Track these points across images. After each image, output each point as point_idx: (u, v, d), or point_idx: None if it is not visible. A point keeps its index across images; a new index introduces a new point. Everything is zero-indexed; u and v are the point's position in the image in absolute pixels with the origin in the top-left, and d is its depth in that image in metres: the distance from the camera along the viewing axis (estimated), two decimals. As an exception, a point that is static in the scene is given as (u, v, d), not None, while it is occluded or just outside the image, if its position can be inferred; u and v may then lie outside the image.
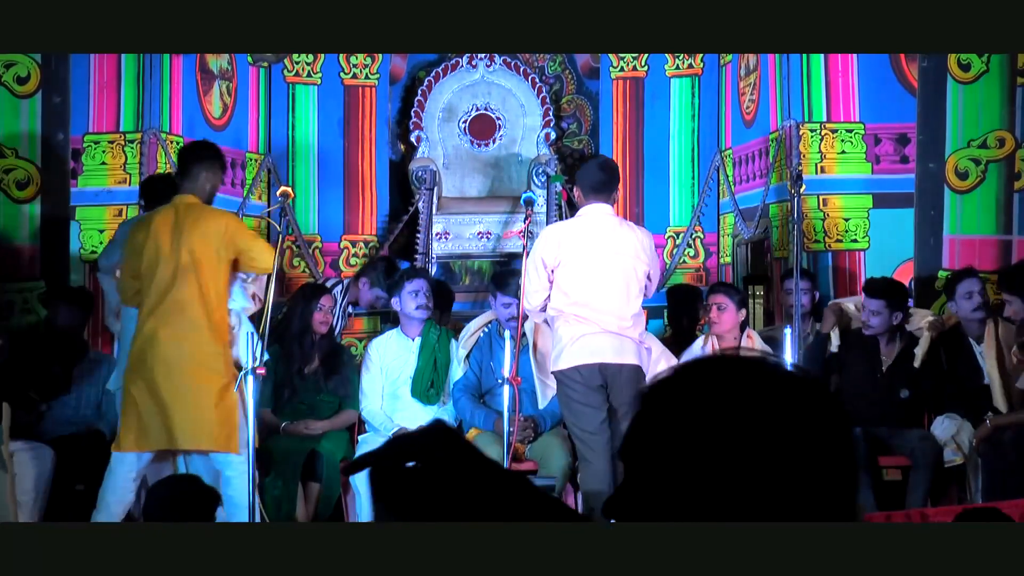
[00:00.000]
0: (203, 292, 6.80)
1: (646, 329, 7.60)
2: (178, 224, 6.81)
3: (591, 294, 7.15)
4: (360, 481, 8.03)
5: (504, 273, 8.51)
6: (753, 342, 8.34)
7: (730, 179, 10.40)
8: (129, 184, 8.77)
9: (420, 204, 10.74)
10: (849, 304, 8.32)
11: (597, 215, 7.27)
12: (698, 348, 8.43)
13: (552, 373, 7.39)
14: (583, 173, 7.45)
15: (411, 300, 8.37)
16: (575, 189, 7.46)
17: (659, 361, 8.49)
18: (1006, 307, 7.57)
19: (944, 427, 7.74)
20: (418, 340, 8.44)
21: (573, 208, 10.67)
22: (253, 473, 6.75)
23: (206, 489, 5.66)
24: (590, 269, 7.17)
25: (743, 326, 8.35)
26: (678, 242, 10.74)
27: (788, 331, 7.05)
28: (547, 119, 11.17)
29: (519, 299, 7.55)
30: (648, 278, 7.37)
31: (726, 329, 8.25)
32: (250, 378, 6.53)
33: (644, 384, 6.97)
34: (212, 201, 7.10)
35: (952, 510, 6.40)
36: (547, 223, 10.30)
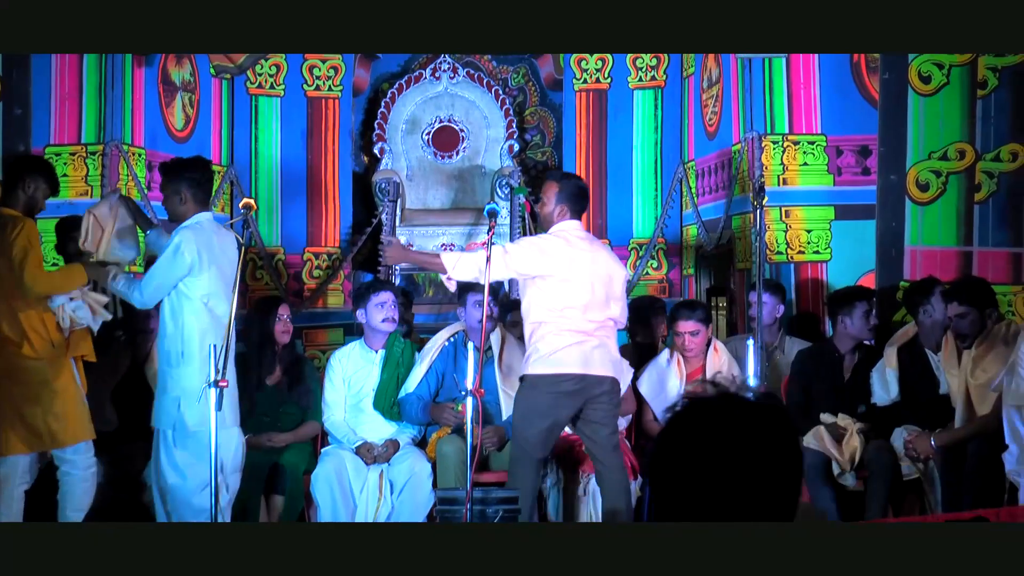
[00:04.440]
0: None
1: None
2: None
3: (574, 305, 7.23)
4: (322, 493, 8.02)
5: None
6: (719, 355, 8.35)
7: (693, 191, 10.42)
8: (91, 196, 8.72)
9: (383, 216, 10.73)
10: None
11: (577, 230, 7.41)
12: (663, 361, 8.42)
13: (523, 377, 7.39)
14: (572, 193, 7.52)
15: (377, 312, 8.35)
16: (559, 206, 7.48)
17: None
18: (957, 320, 7.58)
19: (903, 439, 7.77)
20: (381, 353, 8.41)
21: (536, 219, 10.71)
22: (216, 485, 6.75)
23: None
24: (575, 281, 7.26)
25: (708, 339, 8.39)
26: (641, 254, 10.76)
27: (750, 342, 7.05)
28: (510, 131, 11.17)
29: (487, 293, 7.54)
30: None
31: (698, 352, 8.31)
32: (212, 391, 6.51)
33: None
34: (36, 210, 7.40)
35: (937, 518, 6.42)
36: (510, 235, 10.31)
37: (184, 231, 7.44)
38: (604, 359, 7.31)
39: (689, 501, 2.46)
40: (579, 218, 7.45)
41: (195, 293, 7.39)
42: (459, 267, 7.32)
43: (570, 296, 7.20)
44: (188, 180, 7.52)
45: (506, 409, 8.15)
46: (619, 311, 7.46)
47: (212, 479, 6.71)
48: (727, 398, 2.52)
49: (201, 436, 7.35)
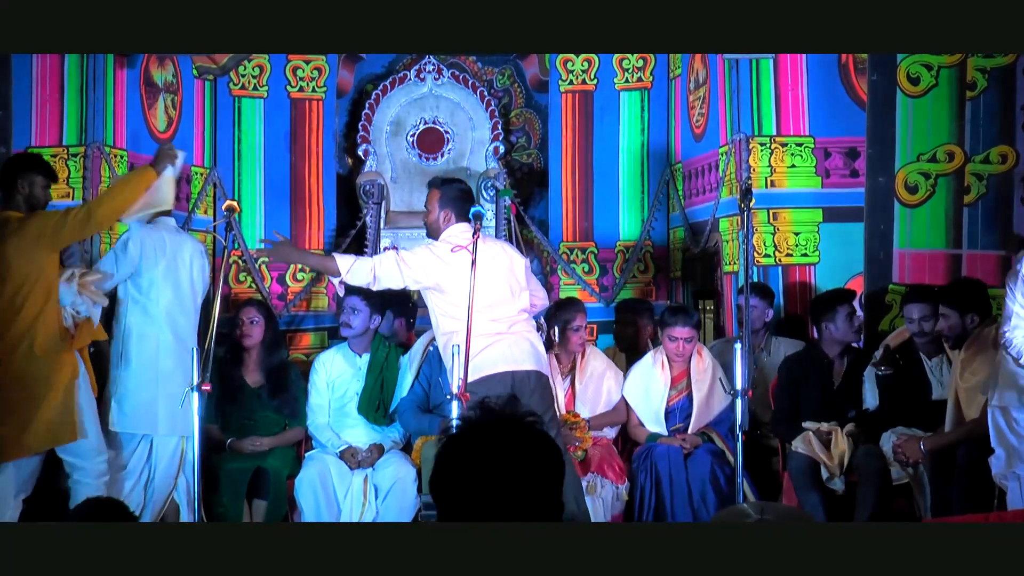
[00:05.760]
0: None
1: (595, 344, 7.57)
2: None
3: (479, 308, 7.11)
4: (306, 498, 7.95)
5: None
6: (703, 359, 8.33)
7: (680, 193, 10.38)
8: (72, 198, 8.66)
9: (368, 218, 10.67)
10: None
11: (467, 232, 7.24)
12: (648, 362, 8.39)
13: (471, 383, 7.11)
14: (454, 196, 7.44)
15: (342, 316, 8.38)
16: (443, 212, 7.41)
17: (604, 375, 8.47)
18: (940, 320, 7.56)
19: (891, 443, 7.72)
20: (366, 357, 8.36)
21: (522, 222, 10.65)
22: (198, 490, 6.72)
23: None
24: (476, 282, 7.10)
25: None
26: (628, 256, 10.71)
27: (738, 346, 7.00)
28: (496, 133, 11.11)
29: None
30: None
31: (687, 356, 8.28)
32: (195, 394, 6.45)
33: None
34: (40, 206, 7.32)
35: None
36: (496, 237, 10.25)
37: (133, 228, 7.55)
38: (527, 353, 7.24)
39: (469, 506, 2.88)
40: (466, 220, 7.33)
41: (139, 293, 7.41)
42: (353, 271, 7.21)
43: (475, 299, 7.11)
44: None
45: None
46: (529, 298, 7.43)
47: (196, 480, 6.67)
48: (494, 420, 2.97)
49: (120, 438, 7.40)
